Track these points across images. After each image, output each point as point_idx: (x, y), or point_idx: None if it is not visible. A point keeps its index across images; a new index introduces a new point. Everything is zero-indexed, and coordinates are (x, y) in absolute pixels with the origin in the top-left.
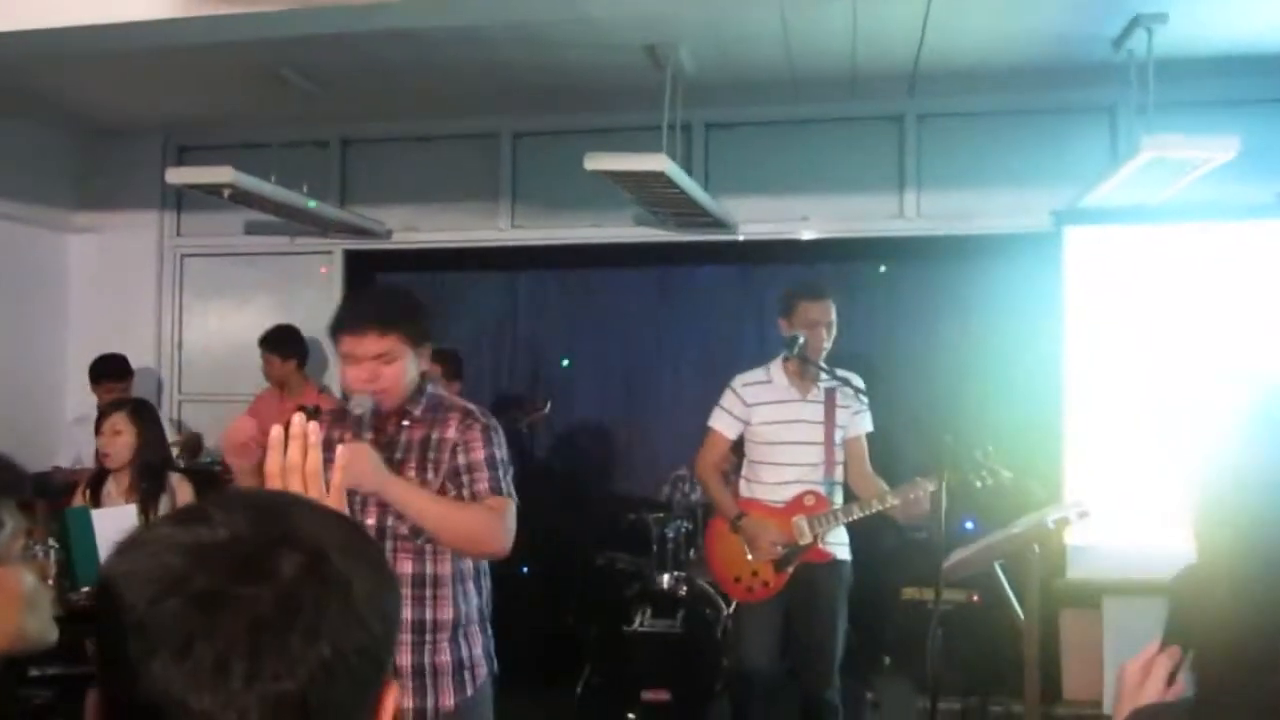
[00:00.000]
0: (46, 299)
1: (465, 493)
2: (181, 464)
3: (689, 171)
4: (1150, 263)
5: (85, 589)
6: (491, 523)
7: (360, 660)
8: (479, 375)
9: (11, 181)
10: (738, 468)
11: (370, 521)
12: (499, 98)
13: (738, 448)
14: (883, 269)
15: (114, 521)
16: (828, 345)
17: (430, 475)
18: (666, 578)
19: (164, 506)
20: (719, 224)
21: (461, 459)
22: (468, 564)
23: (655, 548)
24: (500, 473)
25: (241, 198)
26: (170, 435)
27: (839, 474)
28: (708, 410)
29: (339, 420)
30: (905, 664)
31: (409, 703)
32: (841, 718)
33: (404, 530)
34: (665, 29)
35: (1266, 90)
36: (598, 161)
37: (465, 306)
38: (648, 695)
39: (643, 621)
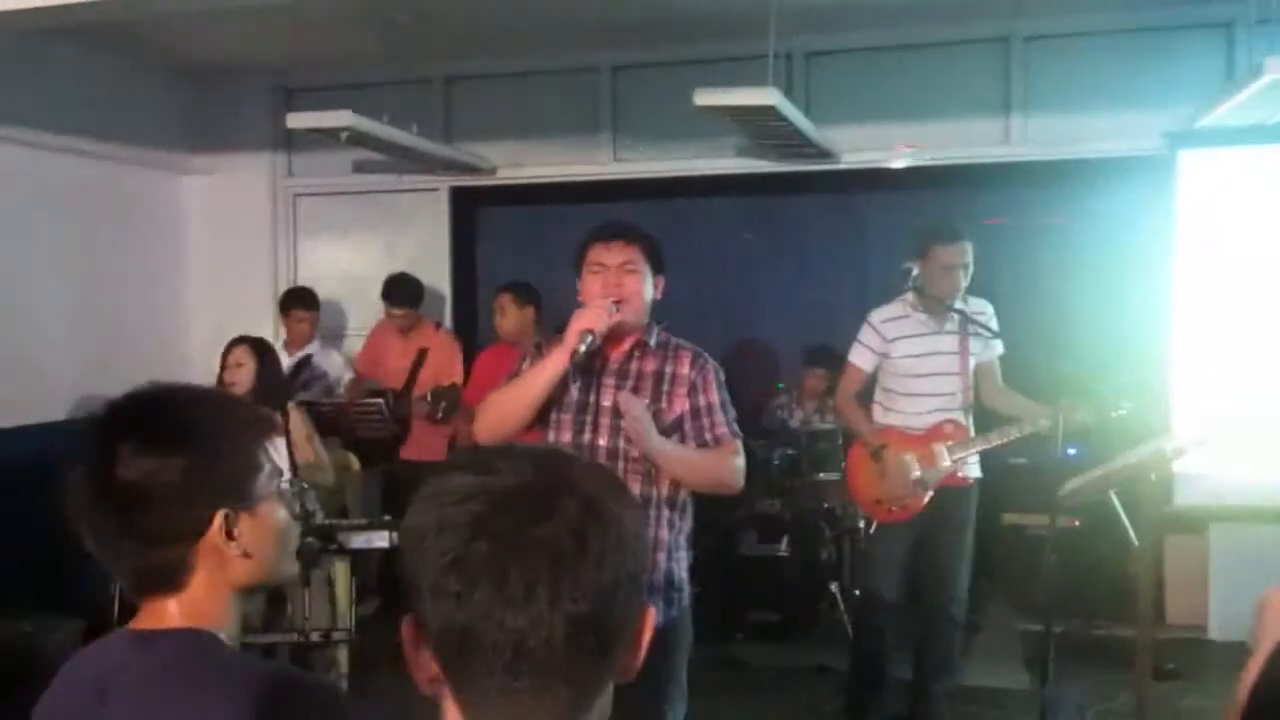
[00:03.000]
0: (164, 241)
1: (707, 436)
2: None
3: (791, 100)
4: (1265, 186)
5: None
6: (730, 467)
7: (631, 584)
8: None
9: (126, 125)
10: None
11: (603, 443)
12: (598, 31)
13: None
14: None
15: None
16: (965, 284)
17: (664, 404)
18: (773, 503)
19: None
20: (822, 153)
21: (701, 400)
22: (683, 489)
23: (760, 473)
24: (730, 415)
25: (357, 139)
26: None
27: (973, 399)
28: (807, 338)
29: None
30: (1005, 588)
31: None
32: (960, 636)
33: (634, 453)
34: None
35: None
36: (707, 97)
37: (569, 241)
38: (755, 616)
39: (750, 545)
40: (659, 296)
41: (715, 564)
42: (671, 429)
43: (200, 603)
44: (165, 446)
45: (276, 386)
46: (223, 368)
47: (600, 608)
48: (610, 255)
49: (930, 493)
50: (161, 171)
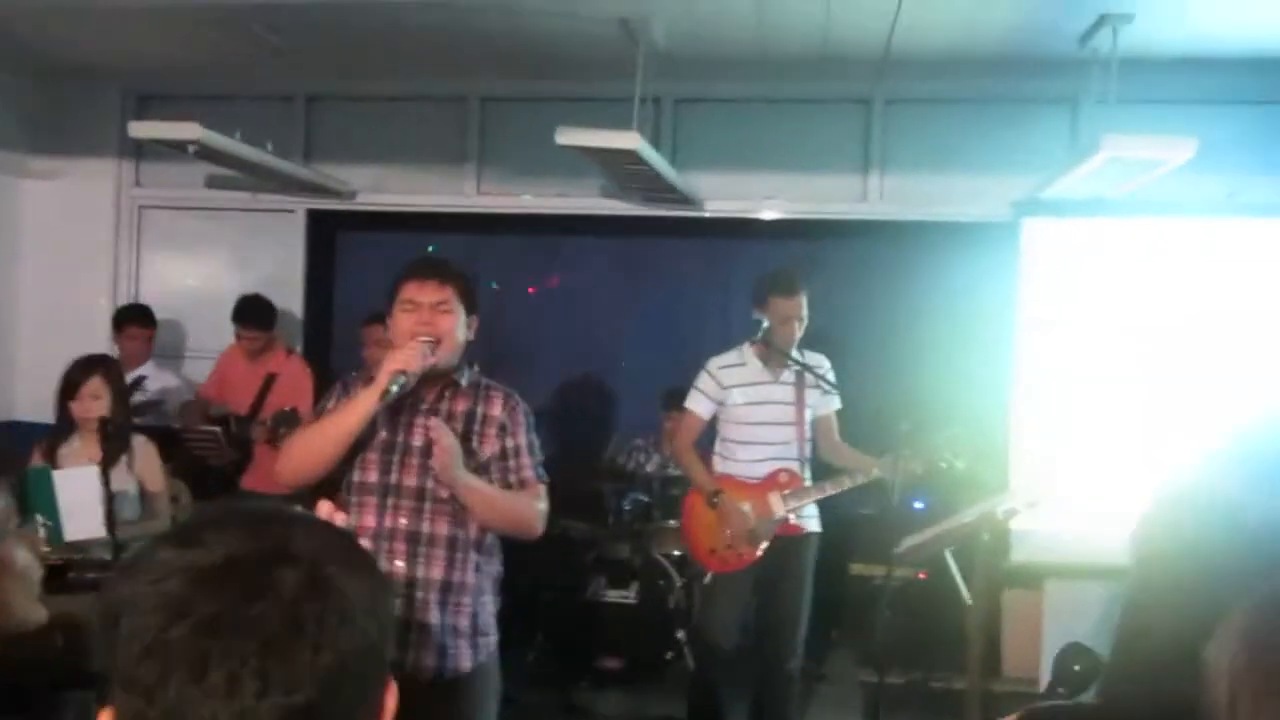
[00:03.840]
0: None
1: (512, 478)
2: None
3: (657, 146)
4: (1105, 256)
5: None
6: (532, 511)
7: (362, 663)
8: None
9: None
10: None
11: (411, 482)
12: (469, 62)
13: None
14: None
15: (76, 482)
16: (799, 335)
17: (475, 445)
18: (622, 548)
19: (123, 466)
20: (685, 199)
21: (510, 442)
22: (491, 533)
23: (611, 518)
24: (537, 458)
25: (206, 153)
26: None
27: (809, 451)
28: (666, 383)
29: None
30: (852, 638)
31: (430, 661)
32: (796, 688)
33: (442, 494)
34: (639, 2)
35: (1225, 91)
36: (569, 136)
37: None
38: (601, 663)
39: (597, 591)
40: (472, 337)
41: (562, 608)
42: (480, 471)
43: None
44: None
45: (126, 414)
46: (71, 397)
47: (320, 695)
48: (424, 293)
49: (765, 543)
50: (0, 174)
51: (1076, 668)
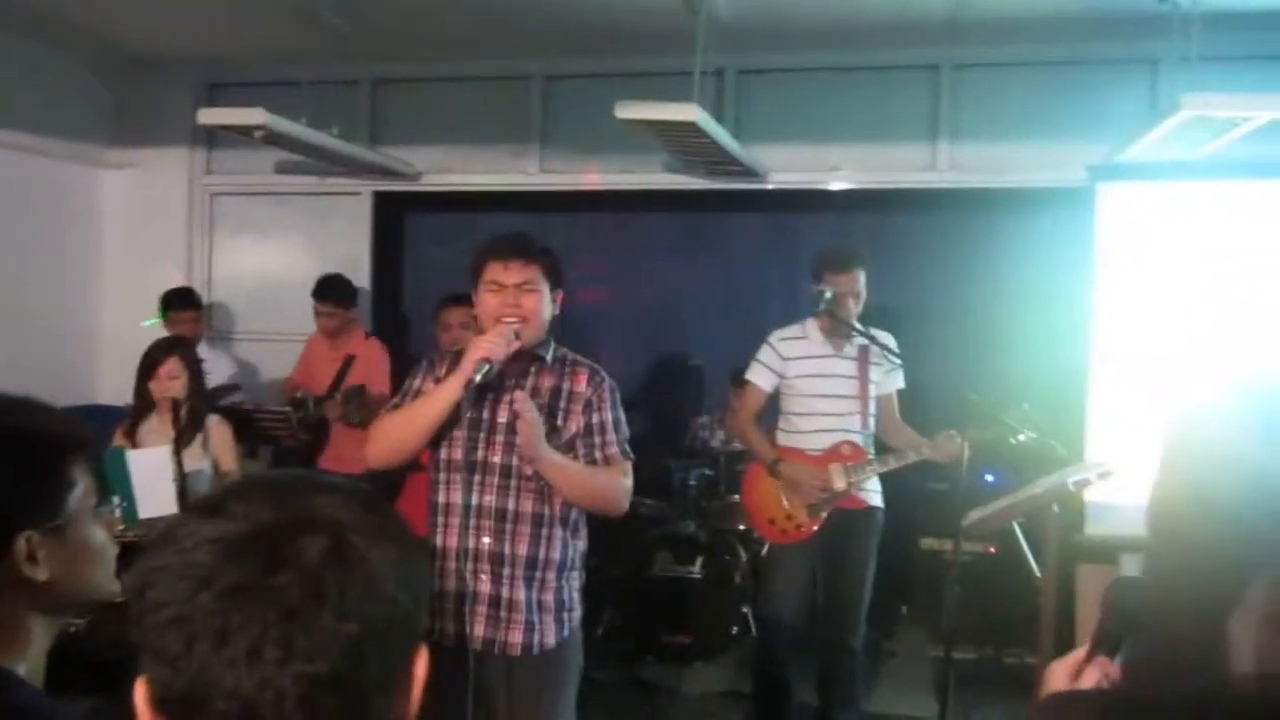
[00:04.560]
0: (80, 234)
1: (597, 454)
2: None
3: (720, 119)
4: (1184, 221)
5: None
6: (618, 487)
7: (388, 632)
8: None
9: (45, 116)
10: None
11: (496, 459)
12: (530, 41)
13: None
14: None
15: (148, 462)
16: (856, 312)
17: (560, 421)
18: (688, 524)
19: (197, 446)
20: (749, 172)
21: (595, 417)
22: (576, 509)
23: (677, 493)
24: (623, 435)
25: (273, 139)
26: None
27: (873, 426)
28: (733, 358)
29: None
30: (922, 613)
31: (518, 637)
32: (861, 665)
33: (528, 471)
34: None
35: None
36: (628, 110)
37: None
38: (667, 638)
39: (664, 566)
40: (558, 312)
41: (628, 585)
42: (565, 447)
43: None
44: None
45: (202, 394)
46: (149, 377)
47: (343, 664)
48: (508, 274)
49: (824, 514)
50: (79, 164)
51: (1126, 604)
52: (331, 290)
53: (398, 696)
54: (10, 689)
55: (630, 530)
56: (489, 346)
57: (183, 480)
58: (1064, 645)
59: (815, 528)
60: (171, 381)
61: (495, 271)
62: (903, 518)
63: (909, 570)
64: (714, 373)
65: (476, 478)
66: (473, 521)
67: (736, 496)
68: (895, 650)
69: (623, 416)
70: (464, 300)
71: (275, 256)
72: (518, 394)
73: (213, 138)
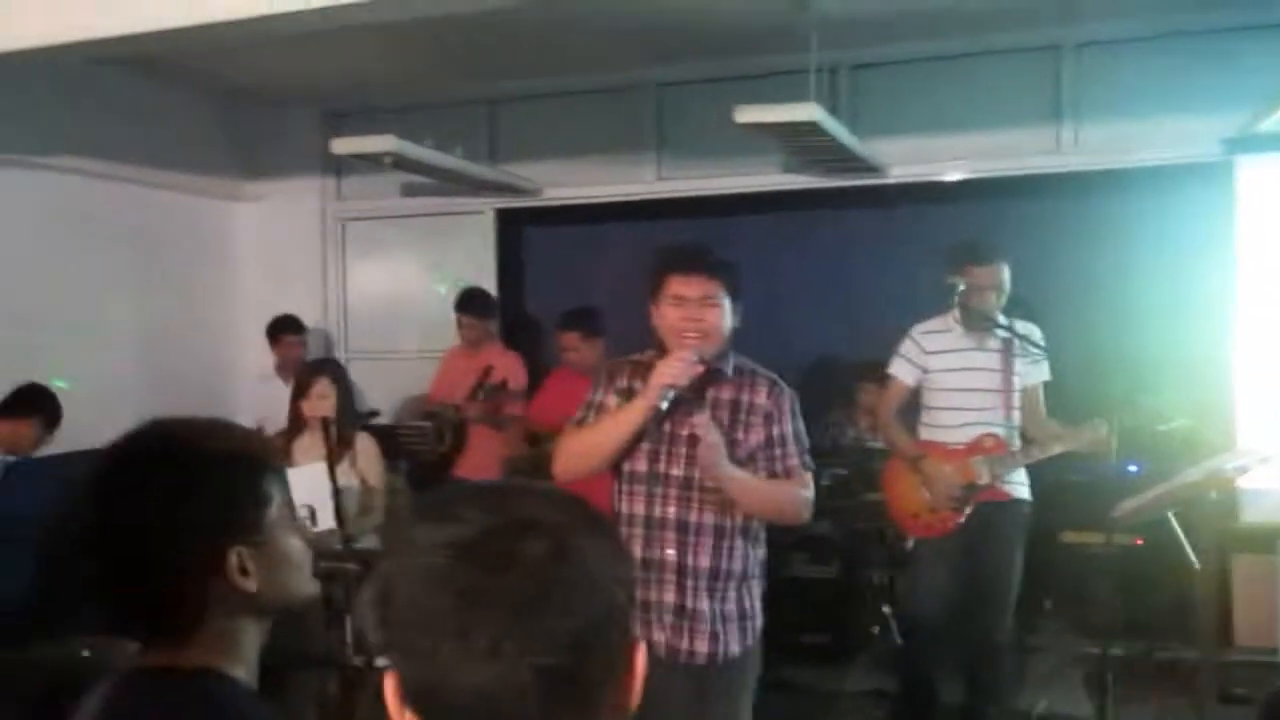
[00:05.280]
0: (217, 267)
1: (777, 466)
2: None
3: (835, 115)
4: None
5: None
6: (798, 500)
7: (609, 626)
8: (627, 327)
9: (177, 153)
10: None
11: (678, 472)
12: (640, 49)
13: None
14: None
15: (307, 479)
16: (1000, 304)
17: (740, 435)
18: (823, 523)
19: (346, 464)
20: (868, 168)
21: (775, 430)
22: (756, 520)
23: None
24: (804, 446)
25: (401, 163)
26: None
27: (1016, 418)
28: (856, 355)
29: (647, 370)
30: (1066, 608)
31: (703, 647)
32: (1008, 661)
33: (709, 484)
34: None
35: None
36: (747, 114)
37: (614, 258)
38: (806, 638)
39: (800, 566)
40: (739, 324)
41: (766, 586)
42: (745, 459)
43: (214, 640)
44: (169, 488)
45: (353, 414)
46: (301, 396)
47: (571, 657)
48: (690, 288)
49: (969, 508)
50: (212, 199)
51: None
52: (472, 302)
53: (620, 686)
54: (231, 692)
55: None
56: (674, 374)
57: (338, 495)
58: (1221, 638)
59: (960, 520)
60: (322, 400)
61: (677, 285)
62: (1043, 511)
63: (1051, 564)
64: (839, 370)
65: (658, 490)
66: (655, 533)
67: (871, 495)
68: (1039, 646)
69: (803, 428)
70: (572, 324)
71: (406, 276)
72: (698, 417)
73: (340, 165)
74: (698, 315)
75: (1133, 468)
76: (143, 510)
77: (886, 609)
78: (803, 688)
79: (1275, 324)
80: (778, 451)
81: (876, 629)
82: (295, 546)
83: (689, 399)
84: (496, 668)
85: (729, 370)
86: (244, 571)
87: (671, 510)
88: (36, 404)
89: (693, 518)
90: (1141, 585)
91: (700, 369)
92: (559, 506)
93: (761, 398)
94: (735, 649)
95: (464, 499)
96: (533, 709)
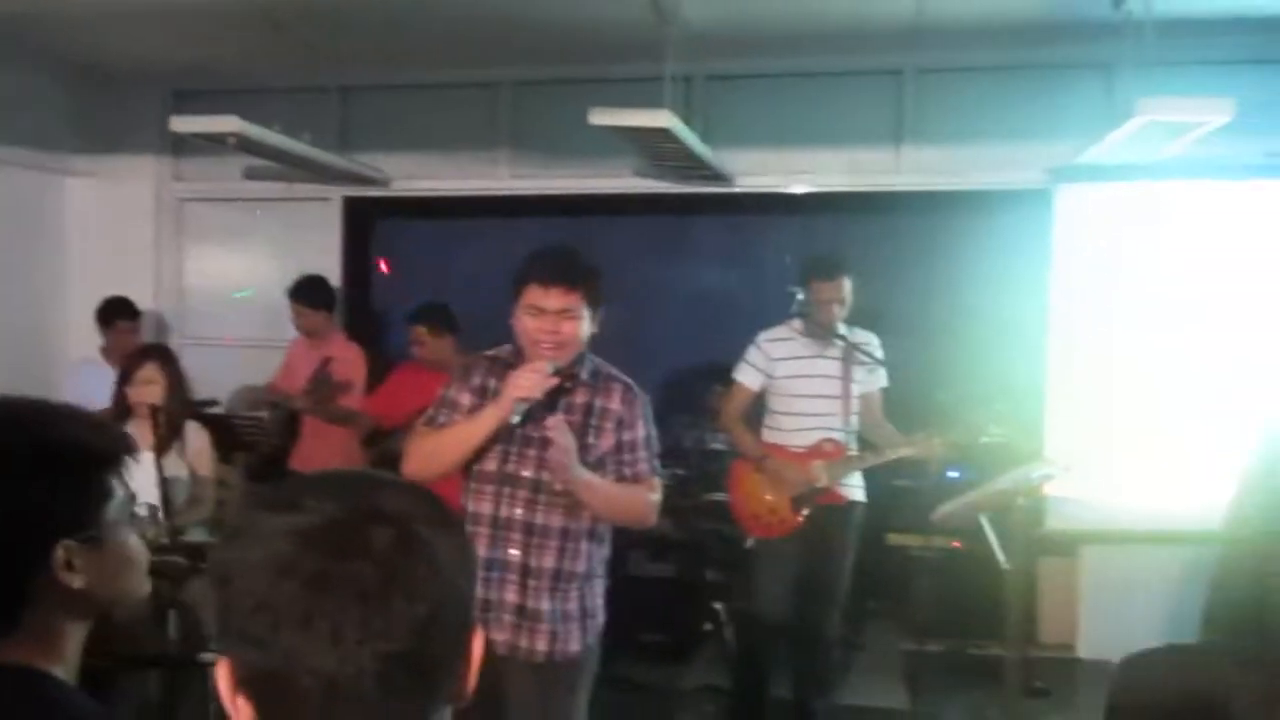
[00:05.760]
0: (47, 243)
1: (626, 471)
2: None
3: (688, 124)
4: (1141, 221)
5: None
6: (646, 504)
7: (452, 614)
8: (478, 323)
9: (10, 126)
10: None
11: (527, 474)
12: (500, 47)
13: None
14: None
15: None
16: (840, 317)
17: (591, 439)
18: (661, 522)
19: (175, 454)
20: (718, 176)
21: (626, 435)
22: (603, 523)
23: None
24: (653, 451)
25: (245, 145)
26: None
27: (855, 423)
28: (702, 358)
29: (503, 368)
30: (889, 607)
31: (543, 645)
32: (837, 655)
33: (557, 487)
34: None
35: (1263, 50)
36: (602, 116)
37: (467, 254)
38: (643, 636)
39: (637, 565)
40: (597, 330)
41: None
42: (596, 464)
43: (35, 638)
44: (5, 471)
45: (182, 402)
46: (127, 382)
47: (415, 643)
48: (549, 300)
49: (807, 509)
50: (45, 173)
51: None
52: (301, 291)
53: (459, 672)
54: (51, 691)
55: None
56: (528, 387)
57: (164, 486)
58: (1027, 636)
59: (799, 522)
60: (147, 386)
61: (536, 295)
62: (870, 514)
63: (876, 565)
64: (686, 372)
65: (506, 490)
66: (501, 533)
67: (709, 495)
68: (863, 644)
69: (654, 432)
70: (422, 318)
71: (247, 262)
72: (551, 419)
73: (180, 145)
74: (554, 327)
75: (953, 474)
76: None
77: (718, 606)
78: (639, 684)
79: (1084, 343)
80: (627, 456)
81: (710, 626)
82: (132, 546)
83: (542, 402)
84: (337, 654)
85: (584, 375)
86: (69, 567)
87: (519, 511)
88: None
89: (540, 519)
90: (958, 587)
91: (554, 381)
92: (405, 497)
93: (614, 403)
94: (575, 647)
95: (310, 488)
96: (371, 695)
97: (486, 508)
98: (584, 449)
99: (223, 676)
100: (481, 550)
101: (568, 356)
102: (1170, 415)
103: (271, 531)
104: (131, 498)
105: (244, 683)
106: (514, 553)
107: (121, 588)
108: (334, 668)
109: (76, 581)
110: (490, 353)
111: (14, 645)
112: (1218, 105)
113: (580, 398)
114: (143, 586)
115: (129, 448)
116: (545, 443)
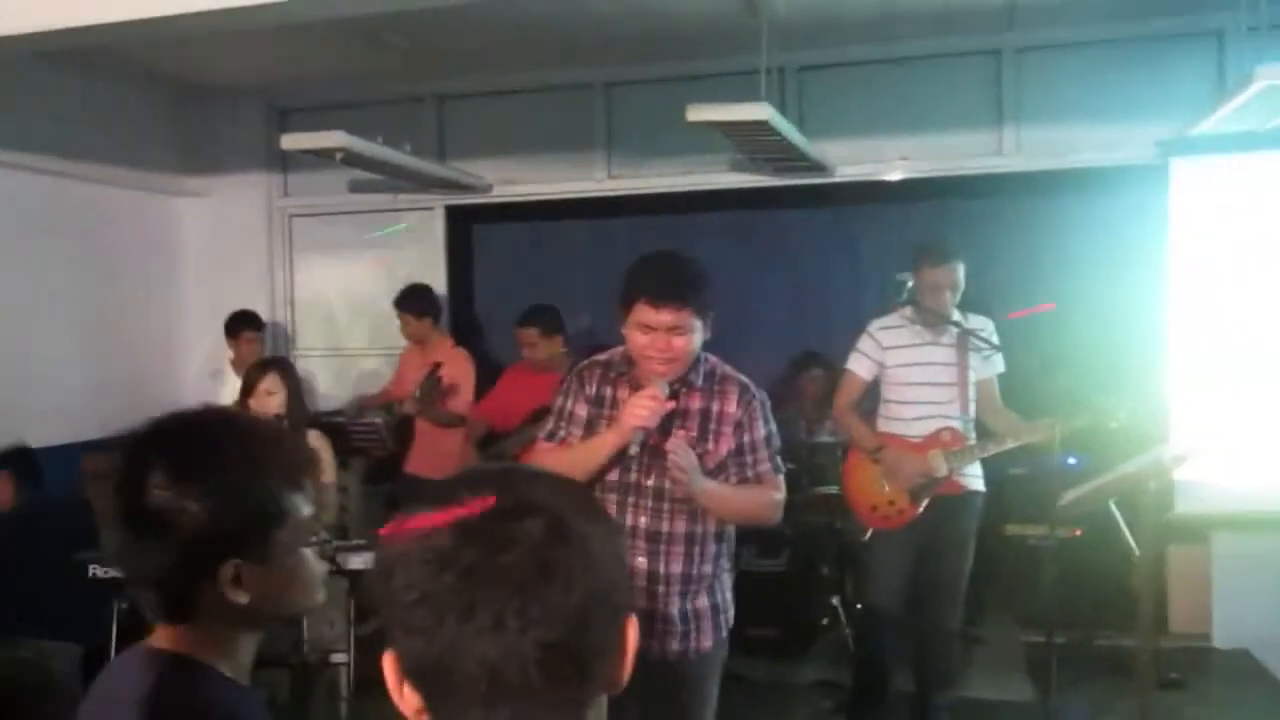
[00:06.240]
0: (161, 263)
1: (749, 472)
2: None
3: (783, 115)
4: (1258, 192)
5: None
6: (770, 504)
7: (606, 601)
8: (580, 325)
9: (121, 149)
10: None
11: (650, 482)
12: (592, 48)
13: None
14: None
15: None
16: (953, 302)
17: (710, 444)
18: None
19: None
20: (816, 167)
21: (746, 437)
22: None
23: None
24: (774, 450)
25: (351, 159)
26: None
27: (973, 411)
28: (802, 348)
29: (616, 375)
30: (1008, 599)
31: (675, 646)
32: (957, 649)
33: (680, 494)
34: None
35: None
36: (700, 112)
37: (566, 256)
38: (755, 631)
39: (749, 560)
40: (709, 335)
41: None
42: (717, 469)
43: (205, 636)
44: (193, 482)
45: (303, 411)
46: (249, 393)
47: (572, 631)
48: (660, 318)
49: (926, 500)
50: (157, 194)
51: None
52: (406, 300)
53: (615, 660)
54: (201, 682)
55: None
56: (645, 415)
57: None
58: (1157, 625)
59: (918, 513)
60: (269, 397)
61: (646, 314)
62: (987, 504)
63: (994, 556)
64: (789, 367)
65: (630, 499)
66: (627, 542)
67: (819, 489)
68: (982, 636)
69: (774, 429)
70: (532, 320)
71: (355, 273)
72: (670, 443)
73: (287, 161)
74: (665, 344)
75: (1072, 461)
76: (154, 493)
77: (835, 601)
78: (753, 680)
79: (1206, 322)
80: (749, 458)
81: (825, 621)
82: (304, 565)
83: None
84: (500, 641)
85: (699, 380)
86: (238, 583)
87: (643, 520)
88: None
89: (664, 527)
90: (1081, 576)
91: (671, 405)
92: (555, 489)
93: (732, 406)
94: (707, 643)
95: (465, 483)
96: (534, 683)
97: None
98: (704, 455)
99: (389, 668)
100: None
101: (680, 370)
102: None
103: (430, 526)
104: (312, 516)
105: (410, 673)
106: (640, 560)
107: (288, 603)
108: (496, 656)
109: (241, 597)
110: (602, 357)
111: (182, 637)
112: None
113: (697, 402)
114: (314, 601)
115: (310, 463)
116: (666, 451)
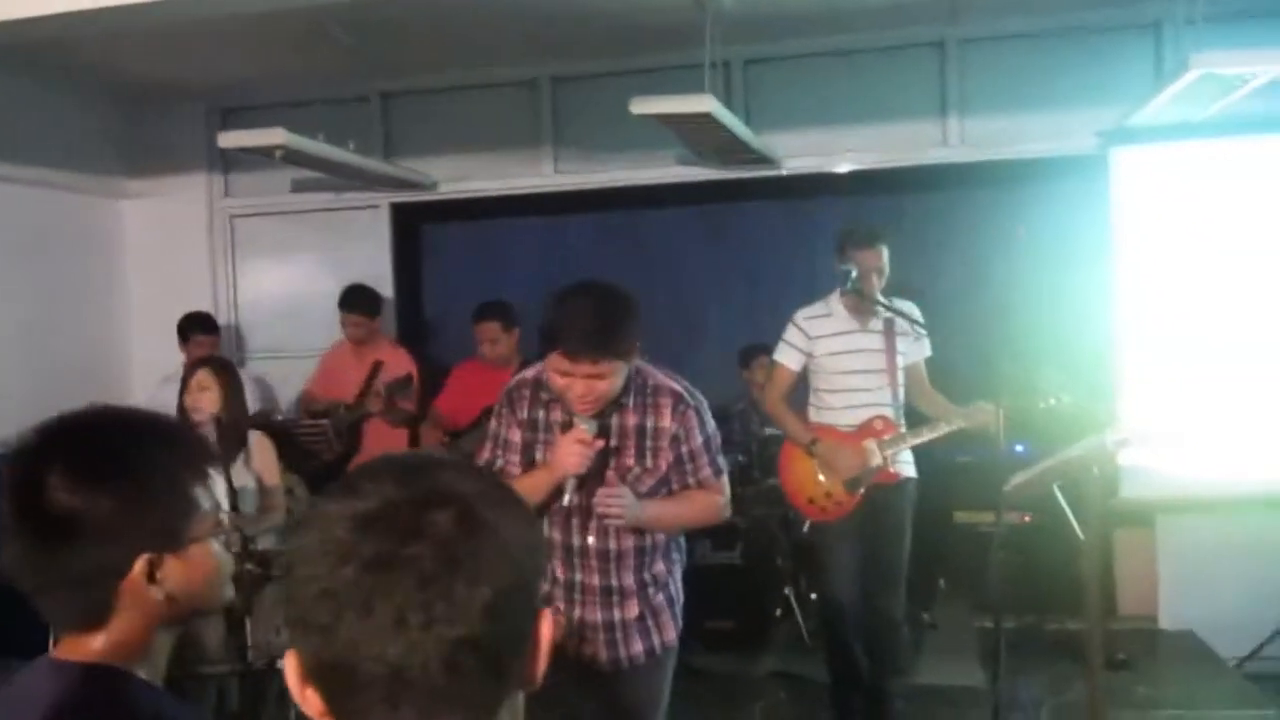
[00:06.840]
0: (102, 266)
1: (690, 480)
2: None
3: (730, 108)
4: (1199, 180)
5: None
6: (715, 507)
7: (517, 597)
8: (529, 322)
9: (61, 151)
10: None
11: (591, 541)
12: (537, 44)
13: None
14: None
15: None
16: (880, 286)
17: (649, 462)
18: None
19: (240, 463)
20: (762, 160)
21: (684, 448)
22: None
23: None
24: (714, 452)
25: (292, 157)
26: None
27: (903, 397)
28: (752, 344)
29: (549, 399)
30: (960, 586)
31: (639, 648)
32: (906, 636)
33: (623, 523)
34: None
35: None
36: (644, 105)
37: (513, 253)
38: (710, 624)
39: (704, 554)
40: (638, 359)
41: None
42: (660, 484)
43: (120, 640)
44: (96, 481)
45: (242, 410)
46: (184, 391)
47: (481, 627)
48: (577, 369)
49: (863, 490)
50: (96, 196)
51: None
52: (356, 300)
53: (527, 657)
54: (130, 690)
55: None
56: (575, 461)
57: (234, 496)
58: (1105, 609)
59: (855, 503)
60: (202, 393)
61: (562, 364)
62: (935, 492)
63: (945, 544)
64: (738, 360)
65: (575, 520)
66: (578, 560)
67: (772, 481)
68: (935, 623)
69: (712, 431)
70: (493, 314)
71: (299, 273)
72: (599, 494)
73: (229, 161)
74: (585, 390)
75: (1019, 448)
76: (55, 498)
77: (789, 592)
78: (709, 673)
79: (1151, 307)
80: (689, 466)
81: (779, 612)
82: (215, 557)
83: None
84: (402, 640)
85: (630, 399)
86: (153, 579)
87: (592, 539)
88: None
89: (613, 545)
90: (1030, 562)
91: (600, 444)
92: (466, 477)
93: (666, 420)
94: (672, 635)
95: (370, 473)
96: (439, 683)
97: (558, 535)
98: (644, 473)
99: (290, 668)
100: (559, 574)
101: (603, 405)
102: (1244, 378)
103: (331, 518)
104: (216, 507)
105: (311, 673)
106: (594, 578)
107: (204, 596)
108: (398, 655)
109: (159, 592)
110: (530, 374)
111: (100, 646)
112: (1273, 55)
113: (632, 420)
114: (225, 595)
115: (212, 457)
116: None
